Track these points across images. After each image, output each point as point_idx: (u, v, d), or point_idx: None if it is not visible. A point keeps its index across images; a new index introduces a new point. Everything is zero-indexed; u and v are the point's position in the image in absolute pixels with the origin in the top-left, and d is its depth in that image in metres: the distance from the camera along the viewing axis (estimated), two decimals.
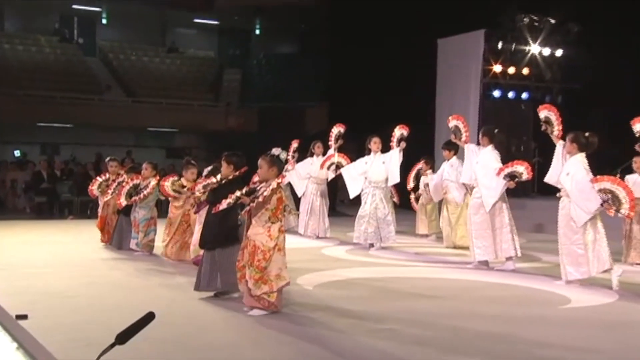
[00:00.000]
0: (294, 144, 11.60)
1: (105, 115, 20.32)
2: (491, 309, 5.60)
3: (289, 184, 11.40)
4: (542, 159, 15.97)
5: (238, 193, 5.21)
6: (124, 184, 8.83)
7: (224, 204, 5.23)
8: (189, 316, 5.07)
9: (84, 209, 14.96)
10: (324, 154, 10.90)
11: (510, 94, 15.49)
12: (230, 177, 5.78)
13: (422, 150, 16.69)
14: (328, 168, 10.13)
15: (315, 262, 8.07)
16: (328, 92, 20.84)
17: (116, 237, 8.93)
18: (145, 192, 8.51)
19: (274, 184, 5.09)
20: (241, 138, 21.34)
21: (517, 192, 14.12)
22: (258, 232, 5.03)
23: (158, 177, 8.80)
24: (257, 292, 5.01)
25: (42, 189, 15.53)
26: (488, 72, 15.17)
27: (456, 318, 5.21)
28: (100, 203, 9.58)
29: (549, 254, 8.60)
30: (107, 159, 10.12)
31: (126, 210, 8.80)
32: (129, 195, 8.54)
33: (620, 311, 5.69)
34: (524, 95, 15.64)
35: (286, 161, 5.71)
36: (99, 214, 9.57)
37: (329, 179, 10.69)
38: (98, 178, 9.80)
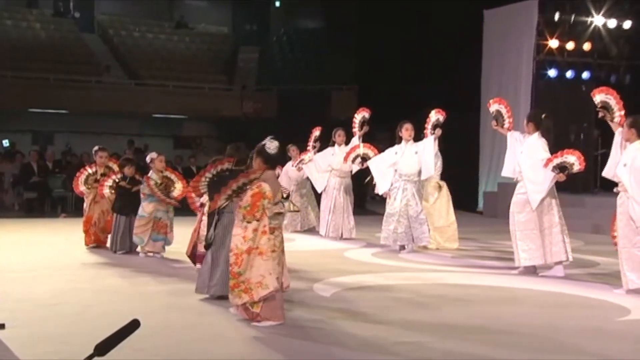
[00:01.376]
0: (315, 132, 11.67)
1: (104, 99, 20.61)
2: (536, 320, 5.59)
3: (308, 179, 11.49)
4: (606, 150, 15.80)
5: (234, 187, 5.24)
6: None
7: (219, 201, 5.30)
8: (184, 326, 5.15)
9: (79, 206, 15.16)
10: (347, 142, 10.93)
11: (569, 74, 15.37)
12: (223, 170, 5.84)
13: (466, 139, 16.74)
14: (353, 161, 10.15)
15: (335, 266, 8.13)
16: (357, 74, 20.86)
17: (120, 239, 8.97)
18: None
19: (250, 178, 5.09)
20: (258, 125, 21.53)
21: (575, 187, 14.04)
22: (236, 233, 5.05)
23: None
24: (238, 301, 5.02)
25: (32, 184, 15.81)
26: (542, 48, 15.07)
27: (495, 332, 5.21)
28: (87, 200, 9.69)
29: (608, 258, 8.54)
30: (95, 148, 10.20)
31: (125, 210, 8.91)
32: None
33: None
34: (585, 75, 15.50)
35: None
36: (85, 212, 9.68)
37: (354, 172, 10.71)
38: (86, 170, 9.97)
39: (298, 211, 11.14)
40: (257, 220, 4.98)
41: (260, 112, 22.21)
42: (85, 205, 9.79)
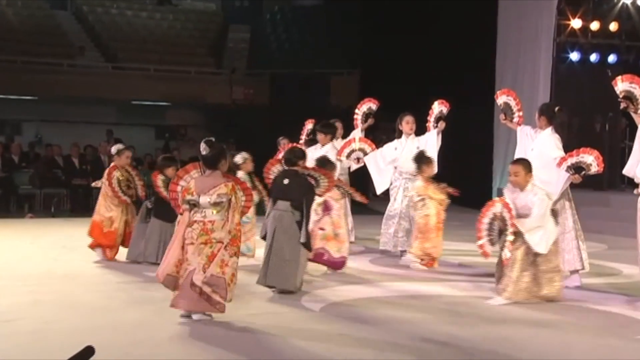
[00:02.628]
0: (308, 125, 11.68)
1: (78, 85, 20.68)
2: (544, 337, 5.66)
3: None
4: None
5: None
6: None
7: None
8: (156, 344, 5.22)
9: (47, 205, 15.28)
10: (346, 136, 10.97)
11: (593, 57, 15.41)
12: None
13: (478, 131, 16.79)
14: (347, 156, 10.17)
15: (327, 276, 8.20)
16: (359, 57, 20.91)
17: (151, 246, 8.73)
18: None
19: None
20: (249, 113, 21.64)
21: (599, 183, 14.07)
22: None
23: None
24: None
25: None
26: (564, 29, 15.10)
27: (498, 351, 5.30)
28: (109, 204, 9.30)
29: (633, 266, 8.55)
30: (120, 146, 9.76)
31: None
32: None
33: None
34: (611, 58, 15.53)
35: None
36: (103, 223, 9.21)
37: (352, 169, 10.74)
38: (113, 174, 9.47)
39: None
40: None
41: (251, 98, 22.27)
42: (104, 209, 9.28)
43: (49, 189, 16.04)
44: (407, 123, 9.62)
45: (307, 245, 7.21)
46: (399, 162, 9.58)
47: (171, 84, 21.78)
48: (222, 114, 22.64)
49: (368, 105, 10.80)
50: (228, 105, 22.20)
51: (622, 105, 7.21)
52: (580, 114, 15.29)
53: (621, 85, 7.21)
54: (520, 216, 6.81)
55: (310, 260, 8.04)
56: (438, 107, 9.59)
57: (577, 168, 7.52)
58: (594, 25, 15.17)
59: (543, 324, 6.11)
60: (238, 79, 22.74)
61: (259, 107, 21.76)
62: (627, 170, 7.14)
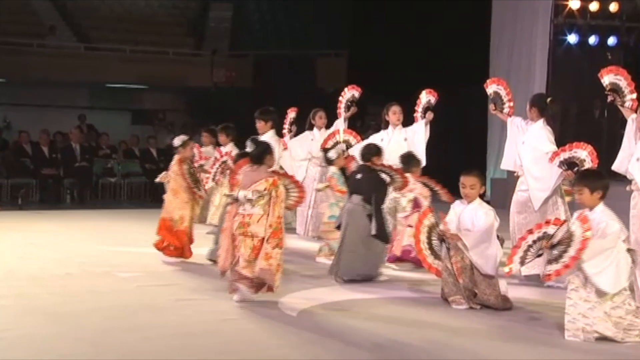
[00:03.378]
0: (291, 114, 11.78)
1: (48, 66, 20.65)
2: (530, 341, 5.77)
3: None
4: None
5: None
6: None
7: None
8: (122, 354, 5.28)
9: (15, 196, 15.28)
10: (329, 126, 11.07)
11: (592, 39, 15.51)
12: None
13: (471, 117, 16.88)
14: (331, 148, 10.27)
15: (309, 275, 8.27)
16: (348, 37, 20.93)
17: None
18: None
19: None
20: (231, 97, 21.67)
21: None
22: None
23: None
24: None
25: None
26: (561, 10, 15.20)
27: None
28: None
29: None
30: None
31: None
32: None
33: None
34: (611, 41, 15.64)
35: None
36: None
37: None
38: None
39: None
40: None
41: (233, 81, 22.29)
42: (174, 207, 9.15)
43: (16, 179, 16.06)
44: (394, 113, 9.72)
45: (381, 237, 7.93)
46: (386, 155, 9.63)
47: (148, 66, 21.74)
48: (202, 97, 22.66)
49: (351, 92, 10.90)
50: (209, 88, 22.22)
51: (609, 98, 7.33)
52: (578, 99, 15.43)
53: (606, 78, 7.34)
54: (462, 230, 6.84)
55: (398, 258, 8.75)
56: (426, 97, 9.69)
57: (570, 164, 7.63)
58: (593, 6, 15.26)
59: (531, 326, 6.23)
60: (219, 60, 22.73)
61: (242, 90, 21.76)
62: (617, 167, 7.20)
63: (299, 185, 7.31)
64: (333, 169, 9.54)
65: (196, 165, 10.63)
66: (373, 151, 8.28)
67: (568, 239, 5.79)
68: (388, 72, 19.01)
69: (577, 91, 15.26)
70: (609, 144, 13.16)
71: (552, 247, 5.85)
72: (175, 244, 9.00)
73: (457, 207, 7.02)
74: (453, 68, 16.31)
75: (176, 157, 9.28)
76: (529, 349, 5.65)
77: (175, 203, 9.08)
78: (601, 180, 6.03)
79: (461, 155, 15.59)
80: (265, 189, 6.75)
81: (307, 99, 20.12)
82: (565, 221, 5.95)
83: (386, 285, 7.88)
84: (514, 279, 7.92)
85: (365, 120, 21.28)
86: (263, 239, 6.67)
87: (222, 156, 10.27)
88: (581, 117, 15.35)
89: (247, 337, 5.77)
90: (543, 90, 15.03)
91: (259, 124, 9.54)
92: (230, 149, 10.74)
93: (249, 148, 7.45)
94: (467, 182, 6.93)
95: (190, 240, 9.10)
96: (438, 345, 5.68)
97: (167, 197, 9.19)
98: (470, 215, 6.84)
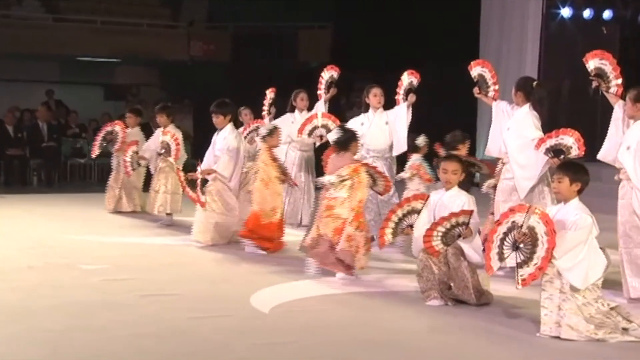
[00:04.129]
0: (270, 94, 11.79)
1: (15, 39, 20.42)
2: (506, 339, 5.84)
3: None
4: None
5: None
6: None
7: None
8: (79, 353, 5.33)
9: None
10: (311, 108, 11.09)
11: (587, 13, 15.56)
12: None
13: (460, 95, 16.82)
14: (310, 134, 10.31)
15: (282, 268, 8.32)
16: (333, 8, 20.87)
17: None
18: None
19: None
20: (209, 71, 21.64)
21: (591, 154, 14.20)
22: None
23: None
24: None
25: None
26: None
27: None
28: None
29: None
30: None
31: None
32: None
33: None
34: (607, 14, 15.70)
35: None
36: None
37: (317, 145, 10.87)
38: None
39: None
40: None
41: (211, 55, 22.21)
42: (266, 197, 9.19)
43: None
44: (374, 96, 9.73)
45: None
46: (366, 139, 9.67)
47: (121, 38, 21.63)
48: (178, 71, 22.61)
49: (330, 73, 10.92)
50: (185, 62, 22.15)
51: (594, 84, 7.38)
52: (572, 75, 15.47)
53: (591, 62, 7.40)
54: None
55: None
56: (408, 79, 9.71)
57: (556, 151, 7.68)
58: None
59: (511, 320, 6.31)
60: (197, 32, 22.63)
61: (220, 64, 21.75)
62: (602, 156, 7.29)
63: (383, 175, 8.38)
64: (417, 156, 9.73)
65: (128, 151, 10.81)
66: (459, 139, 8.93)
67: (531, 237, 5.84)
68: (374, 45, 19.03)
69: (571, 67, 15.28)
70: (602, 121, 13.23)
71: (516, 248, 5.90)
72: (265, 235, 9.07)
73: (434, 196, 7.08)
74: (442, 42, 16.35)
75: (264, 146, 9.37)
76: (504, 348, 5.71)
77: (267, 194, 9.11)
78: (583, 174, 6.07)
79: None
80: (347, 174, 7.66)
81: (289, 73, 20.21)
82: (530, 207, 5.98)
83: (365, 279, 7.92)
84: (499, 271, 7.98)
85: (351, 97, 21.31)
86: (345, 220, 7.51)
87: (176, 140, 10.37)
88: (575, 94, 15.41)
89: (215, 336, 5.78)
90: (535, 66, 15.16)
91: (217, 119, 9.53)
92: (172, 130, 10.77)
93: (334, 135, 8.03)
94: (450, 167, 6.97)
95: (281, 233, 9.20)
96: (414, 344, 5.74)
97: (258, 188, 9.16)
98: (448, 203, 6.88)
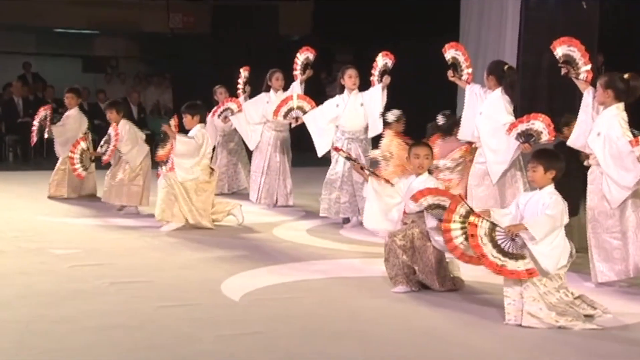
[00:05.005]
0: (244, 73, 11.83)
1: None
2: (474, 326, 5.95)
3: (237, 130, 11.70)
4: None
5: None
6: None
7: None
8: (46, 342, 5.40)
9: None
10: (286, 88, 11.13)
11: None
12: None
13: (440, 71, 16.88)
14: (285, 116, 10.37)
15: (254, 252, 8.42)
16: None
17: None
18: None
19: None
20: (188, 44, 21.63)
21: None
22: None
23: None
24: None
25: None
26: None
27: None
28: None
29: None
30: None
31: None
32: None
33: None
34: None
35: None
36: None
37: (293, 126, 10.91)
38: None
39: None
40: None
41: (191, 27, 22.13)
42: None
43: None
44: (349, 77, 9.78)
45: None
46: (341, 121, 9.77)
47: (99, 10, 21.45)
48: (158, 44, 22.61)
49: (305, 54, 10.97)
50: (165, 34, 22.10)
51: (563, 70, 7.45)
52: (552, 51, 15.49)
53: (559, 49, 7.48)
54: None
55: None
56: (382, 60, 9.75)
57: (527, 136, 7.77)
58: None
59: (481, 308, 6.42)
60: (176, 4, 22.47)
61: (200, 36, 21.71)
62: (572, 142, 7.36)
63: None
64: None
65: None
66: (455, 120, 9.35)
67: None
68: (356, 19, 19.04)
69: (551, 41, 15.33)
70: (581, 95, 13.34)
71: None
72: None
73: (403, 181, 7.16)
74: (422, 17, 16.39)
75: (391, 132, 9.72)
76: (469, 336, 5.81)
77: None
78: (557, 162, 6.15)
79: (430, 113, 15.73)
80: (460, 156, 8.83)
81: (270, 47, 20.20)
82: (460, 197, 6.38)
83: (339, 263, 8.07)
84: None
85: (333, 70, 21.34)
86: None
87: (117, 134, 10.32)
88: (555, 68, 15.39)
89: (183, 327, 5.82)
90: (515, 40, 15.23)
91: (186, 119, 9.55)
92: (126, 126, 10.69)
93: (439, 121, 9.18)
94: (422, 152, 7.04)
95: None
96: (381, 334, 5.82)
97: (395, 173, 9.23)
98: (419, 187, 6.90)
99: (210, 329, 5.80)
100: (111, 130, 10.59)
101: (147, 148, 10.78)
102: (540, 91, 15.06)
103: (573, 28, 15.55)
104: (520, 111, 15.72)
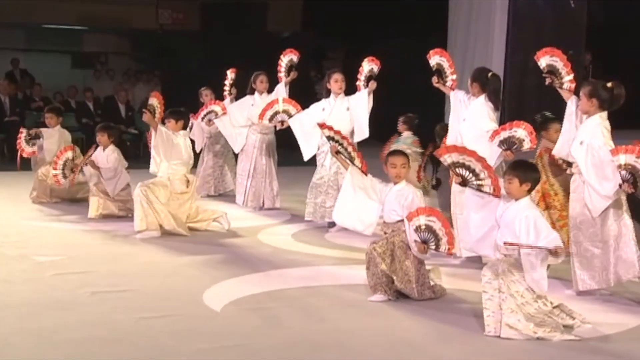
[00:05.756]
0: (231, 75, 11.87)
1: None
2: (452, 338, 6.00)
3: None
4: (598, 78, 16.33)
5: None
6: None
7: None
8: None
9: None
10: (271, 90, 11.16)
11: None
12: None
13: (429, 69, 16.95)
14: (270, 119, 10.41)
15: (238, 259, 8.44)
16: None
17: None
18: None
19: None
20: (178, 40, 21.61)
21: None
22: None
23: None
24: None
25: None
26: None
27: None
28: None
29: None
30: None
31: None
32: None
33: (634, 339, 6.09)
34: None
35: None
36: None
37: (277, 128, 10.94)
38: None
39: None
40: None
41: (180, 23, 22.10)
42: None
43: None
44: (335, 82, 9.82)
45: None
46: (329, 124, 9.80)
47: (89, 5, 21.45)
48: (147, 40, 22.59)
49: (289, 57, 10.99)
50: (154, 30, 22.08)
51: (547, 81, 7.51)
52: (539, 48, 15.60)
53: (542, 60, 7.54)
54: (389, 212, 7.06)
55: None
56: (368, 66, 9.80)
57: (509, 143, 7.83)
58: None
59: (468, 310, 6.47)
60: (165, 0, 22.51)
61: (189, 33, 21.69)
62: (557, 151, 7.43)
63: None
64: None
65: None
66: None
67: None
68: (346, 15, 19.05)
69: (538, 40, 15.43)
70: None
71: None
72: None
73: (381, 186, 7.21)
74: (411, 15, 16.42)
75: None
76: (447, 348, 5.87)
77: None
78: (533, 173, 6.19)
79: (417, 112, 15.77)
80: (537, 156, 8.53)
81: (260, 43, 20.18)
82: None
83: (321, 270, 8.10)
84: (455, 260, 8.16)
85: (323, 68, 21.35)
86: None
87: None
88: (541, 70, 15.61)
89: (163, 339, 5.85)
90: (503, 39, 15.34)
91: (169, 123, 9.58)
92: (114, 153, 10.66)
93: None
94: (399, 161, 7.09)
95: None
96: (360, 345, 5.86)
97: None
98: (396, 197, 7.00)
99: (190, 342, 5.83)
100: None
101: (128, 178, 10.72)
102: (529, 89, 15.20)
103: (561, 27, 15.79)
104: (508, 110, 16.01)
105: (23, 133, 11.82)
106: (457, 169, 6.43)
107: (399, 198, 6.96)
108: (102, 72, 22.27)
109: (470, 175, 6.36)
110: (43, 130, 11.76)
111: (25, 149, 11.77)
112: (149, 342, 5.82)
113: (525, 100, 14.83)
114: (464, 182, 6.41)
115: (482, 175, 6.31)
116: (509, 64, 15.77)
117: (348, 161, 7.38)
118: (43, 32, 22.51)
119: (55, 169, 10.76)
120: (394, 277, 6.87)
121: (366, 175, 7.27)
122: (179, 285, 7.38)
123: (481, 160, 6.34)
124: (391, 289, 6.92)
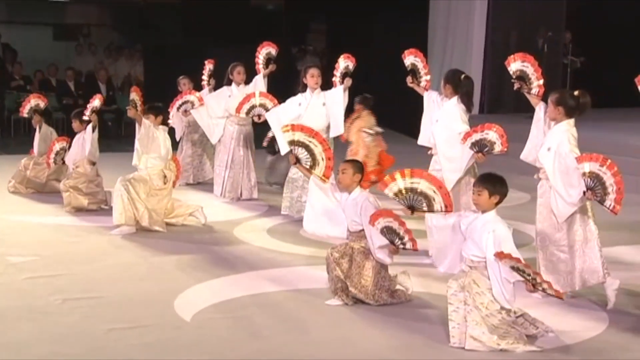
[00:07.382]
0: (209, 65, 11.95)
1: None
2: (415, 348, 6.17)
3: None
4: (584, 59, 16.50)
5: None
6: None
7: None
8: None
9: None
10: (248, 81, 11.25)
11: None
12: None
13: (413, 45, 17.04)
14: (247, 113, 10.53)
15: (212, 259, 8.53)
16: None
17: None
18: None
19: None
20: (160, 12, 21.66)
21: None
22: None
23: None
24: None
25: None
26: None
27: None
28: None
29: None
30: None
31: None
32: None
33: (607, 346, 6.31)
34: None
35: None
36: None
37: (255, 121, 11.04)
38: None
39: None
40: None
41: None
42: None
43: None
44: (312, 77, 9.93)
45: None
46: (304, 120, 9.82)
47: None
48: (130, 12, 22.59)
49: (267, 50, 11.10)
50: (136, 3, 22.10)
51: (516, 86, 7.64)
52: (519, 27, 15.99)
53: (513, 65, 7.65)
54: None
55: None
56: (344, 63, 9.95)
57: (481, 145, 7.98)
58: None
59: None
60: None
61: (171, 5, 21.71)
62: (524, 156, 7.56)
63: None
64: None
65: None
66: None
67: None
68: None
69: (519, 19, 15.78)
70: (547, 72, 13.60)
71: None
72: None
73: (338, 194, 7.41)
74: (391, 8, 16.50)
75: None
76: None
77: None
78: (502, 187, 6.33)
79: (401, 101, 15.85)
80: None
81: (243, 17, 20.17)
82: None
83: (295, 271, 8.22)
84: (426, 259, 8.28)
85: (307, 40, 21.39)
86: None
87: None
88: (523, 46, 15.65)
89: (131, 353, 5.93)
90: (484, 18, 15.48)
91: (149, 119, 9.65)
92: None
93: None
94: (340, 167, 7.29)
95: None
96: (327, 354, 6.02)
97: None
98: (352, 206, 7.14)
99: (158, 355, 5.95)
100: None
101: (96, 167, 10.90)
102: (508, 89, 15.33)
103: (541, 5, 15.92)
104: (489, 88, 16.16)
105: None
106: (387, 235, 6.77)
107: (355, 207, 7.13)
108: (84, 46, 22.23)
109: (398, 240, 6.73)
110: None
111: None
112: (117, 356, 5.91)
113: (506, 78, 14.96)
114: (395, 250, 6.84)
115: (405, 238, 6.70)
116: (489, 43, 16.01)
117: (308, 170, 7.52)
118: (24, 4, 22.42)
119: (49, 156, 10.95)
120: (347, 283, 7.02)
121: (327, 180, 7.42)
122: (150, 291, 7.44)
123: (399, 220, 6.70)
124: (348, 295, 7.07)
